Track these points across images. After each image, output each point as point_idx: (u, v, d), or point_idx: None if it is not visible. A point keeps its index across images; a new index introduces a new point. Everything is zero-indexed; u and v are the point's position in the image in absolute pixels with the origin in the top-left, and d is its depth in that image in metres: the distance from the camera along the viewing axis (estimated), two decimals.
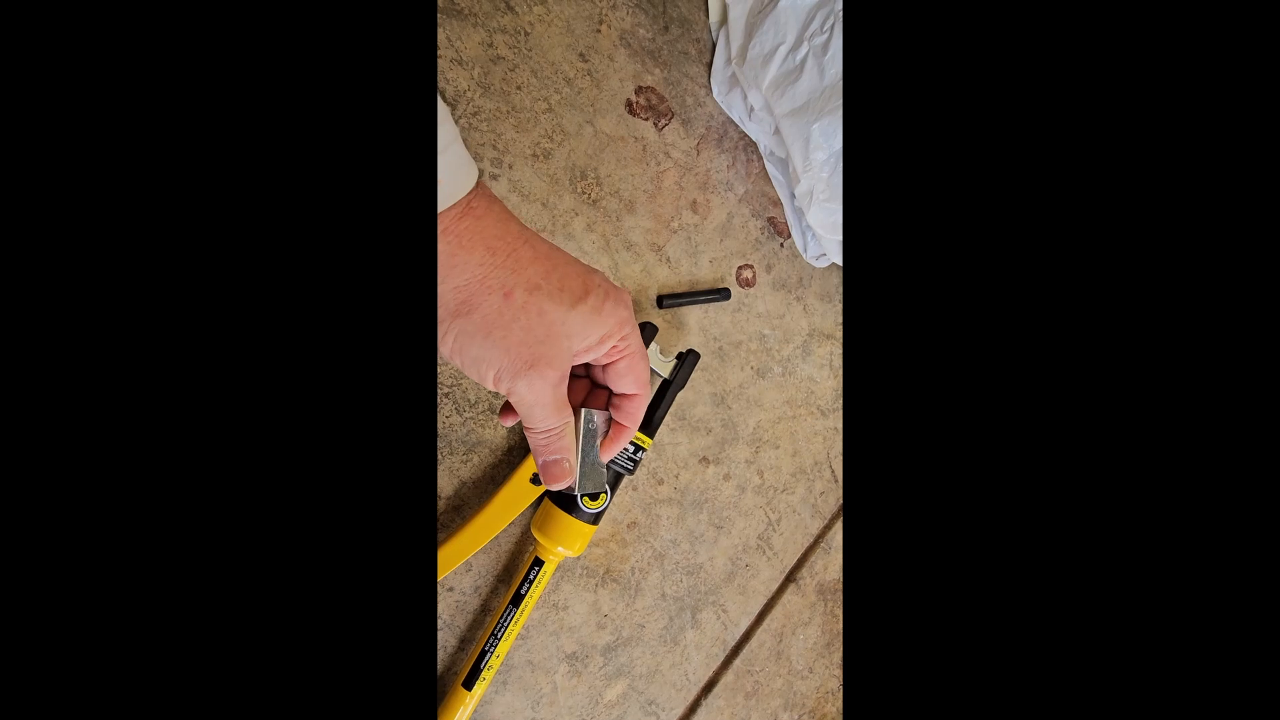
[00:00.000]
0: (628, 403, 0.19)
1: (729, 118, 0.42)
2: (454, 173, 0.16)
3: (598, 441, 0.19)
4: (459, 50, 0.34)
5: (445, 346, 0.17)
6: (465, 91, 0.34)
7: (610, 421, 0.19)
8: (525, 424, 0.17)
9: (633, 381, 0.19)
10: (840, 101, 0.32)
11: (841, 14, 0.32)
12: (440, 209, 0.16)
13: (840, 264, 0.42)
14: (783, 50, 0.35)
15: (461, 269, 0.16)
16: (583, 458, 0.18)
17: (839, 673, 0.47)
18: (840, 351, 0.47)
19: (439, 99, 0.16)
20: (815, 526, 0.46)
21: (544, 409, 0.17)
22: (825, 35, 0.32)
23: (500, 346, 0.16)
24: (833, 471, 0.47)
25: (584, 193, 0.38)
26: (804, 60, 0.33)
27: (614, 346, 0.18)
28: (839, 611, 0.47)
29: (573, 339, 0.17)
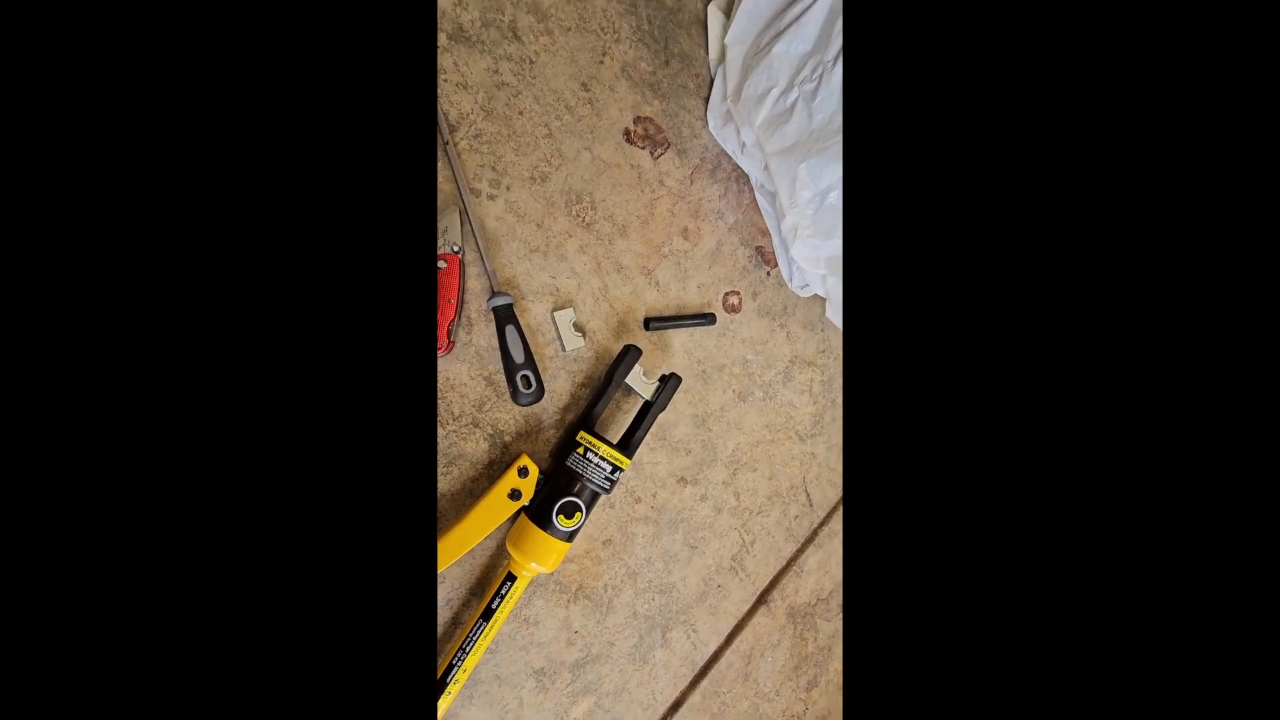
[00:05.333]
0: None
1: (723, 150, 0.44)
2: None
3: None
4: (465, 75, 0.35)
5: None
6: (468, 115, 0.35)
7: None
8: None
9: None
10: (826, 144, 0.34)
11: (829, 64, 0.33)
12: None
13: (822, 295, 0.43)
14: (775, 92, 0.36)
15: None
16: None
17: (805, 696, 0.48)
18: (820, 378, 0.49)
19: None
20: (789, 549, 0.47)
21: None
22: (814, 82, 0.34)
23: None
24: (808, 496, 0.48)
25: (578, 216, 0.39)
26: (794, 104, 0.35)
27: None
28: (808, 634, 0.48)
29: None
